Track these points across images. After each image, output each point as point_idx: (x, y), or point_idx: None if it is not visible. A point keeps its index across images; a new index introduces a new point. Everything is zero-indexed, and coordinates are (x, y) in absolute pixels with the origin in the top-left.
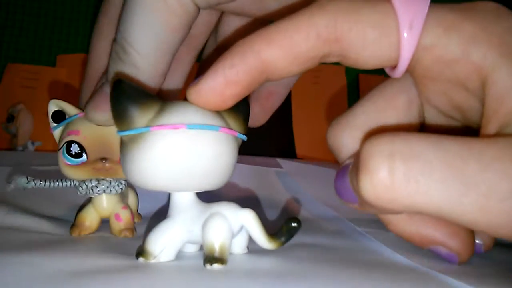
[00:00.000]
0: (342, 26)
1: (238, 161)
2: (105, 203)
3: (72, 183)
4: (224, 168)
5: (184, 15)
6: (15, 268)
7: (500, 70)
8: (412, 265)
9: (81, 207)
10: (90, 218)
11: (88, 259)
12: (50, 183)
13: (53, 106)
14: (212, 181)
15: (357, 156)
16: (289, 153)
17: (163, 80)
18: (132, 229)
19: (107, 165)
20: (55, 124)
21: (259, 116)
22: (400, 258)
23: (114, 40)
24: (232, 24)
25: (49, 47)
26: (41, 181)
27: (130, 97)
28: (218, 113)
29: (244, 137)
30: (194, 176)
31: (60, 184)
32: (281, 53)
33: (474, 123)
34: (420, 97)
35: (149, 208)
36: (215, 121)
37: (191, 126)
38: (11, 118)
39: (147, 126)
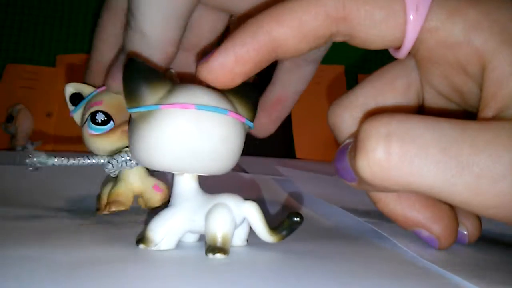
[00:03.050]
0: (350, 5)
1: (236, 168)
2: (139, 177)
3: (101, 159)
4: (229, 153)
5: None
6: (15, 260)
7: (500, 56)
8: (412, 258)
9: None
10: (124, 194)
11: (88, 249)
12: (74, 160)
13: (71, 88)
14: (217, 165)
15: (355, 136)
16: (289, 153)
17: (175, 51)
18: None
19: None
20: (73, 107)
21: (266, 126)
22: (401, 251)
23: (127, 8)
24: (201, 18)
25: (49, 47)
26: (63, 158)
27: (141, 75)
28: (228, 98)
29: (252, 125)
30: (200, 157)
31: (87, 160)
32: (290, 32)
33: (472, 107)
34: (421, 79)
35: None
36: (224, 105)
37: (200, 107)
38: (10, 118)
39: (157, 104)
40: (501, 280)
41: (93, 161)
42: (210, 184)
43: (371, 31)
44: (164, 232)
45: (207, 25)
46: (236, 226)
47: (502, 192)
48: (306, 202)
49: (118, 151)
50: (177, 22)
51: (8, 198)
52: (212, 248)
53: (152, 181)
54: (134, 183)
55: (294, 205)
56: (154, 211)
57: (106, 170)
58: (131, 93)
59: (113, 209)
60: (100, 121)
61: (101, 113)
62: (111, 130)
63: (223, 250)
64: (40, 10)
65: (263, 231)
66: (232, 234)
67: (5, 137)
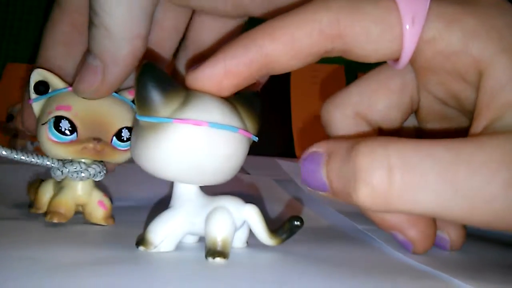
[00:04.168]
0: (345, 22)
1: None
2: (85, 189)
3: (50, 162)
4: (233, 167)
5: None
6: (13, 262)
7: (497, 64)
8: (412, 263)
9: (31, 184)
10: (67, 205)
11: (87, 250)
12: (23, 156)
13: (37, 75)
14: (219, 177)
15: (347, 161)
16: (288, 152)
17: (142, 46)
18: (112, 216)
19: (98, 146)
20: (36, 96)
21: None
22: (399, 255)
23: (89, 7)
24: (204, 27)
25: None
26: (12, 151)
27: (157, 83)
28: (238, 112)
29: (256, 138)
30: (205, 172)
31: (36, 160)
32: (283, 48)
33: (470, 112)
34: (418, 84)
35: (150, 197)
36: (235, 121)
37: (213, 125)
38: (10, 118)
39: (170, 117)
40: (498, 281)
41: (42, 162)
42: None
43: (367, 46)
44: (164, 234)
45: (170, 22)
46: (236, 229)
47: (495, 211)
48: (306, 204)
49: (71, 159)
50: (141, 15)
51: (8, 198)
52: (212, 252)
53: (99, 195)
54: (80, 195)
55: (295, 207)
56: (154, 212)
57: (53, 175)
58: (144, 101)
59: (55, 221)
60: (63, 129)
61: (67, 122)
62: (72, 142)
63: (223, 254)
64: (40, 9)
65: (263, 234)
66: (232, 238)
67: (5, 137)
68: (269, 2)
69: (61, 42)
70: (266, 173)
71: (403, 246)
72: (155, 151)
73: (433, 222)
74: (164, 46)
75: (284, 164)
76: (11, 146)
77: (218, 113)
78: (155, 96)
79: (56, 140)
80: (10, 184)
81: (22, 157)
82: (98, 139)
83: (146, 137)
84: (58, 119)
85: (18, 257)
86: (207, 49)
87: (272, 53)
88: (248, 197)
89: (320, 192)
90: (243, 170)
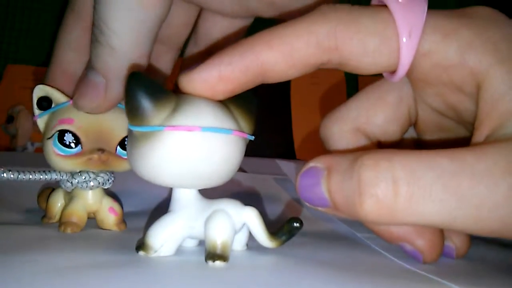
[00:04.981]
0: (342, 34)
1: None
2: (95, 197)
3: (59, 176)
4: (230, 169)
5: None
6: (15, 265)
7: (494, 75)
8: (412, 269)
9: (41, 193)
10: (79, 214)
11: (87, 255)
12: (30, 175)
13: (39, 91)
14: (217, 180)
15: (350, 175)
16: (289, 154)
17: (146, 62)
18: (124, 221)
19: (103, 156)
20: (40, 111)
21: None
22: (399, 262)
23: (93, 23)
24: (213, 23)
25: (49, 48)
26: (19, 173)
27: (146, 92)
28: (231, 113)
29: (252, 138)
30: (201, 176)
31: (44, 176)
32: (280, 57)
33: (468, 123)
34: (415, 96)
35: (150, 201)
36: (229, 123)
37: (205, 129)
38: (11, 119)
39: (162, 125)
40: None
41: (51, 177)
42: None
43: (364, 59)
44: (164, 238)
45: (179, 18)
46: (235, 232)
47: (501, 218)
48: (305, 205)
49: (79, 170)
50: (148, 36)
51: (8, 201)
52: (212, 256)
53: (109, 202)
54: (91, 203)
55: (294, 206)
56: (153, 217)
57: (63, 186)
58: (134, 111)
59: (68, 231)
60: (68, 143)
61: (70, 135)
62: (77, 155)
63: (223, 257)
64: (41, 11)
65: (262, 237)
66: (232, 241)
67: (5, 138)
68: (275, 4)
69: (73, 47)
70: (266, 172)
71: (412, 256)
72: (150, 159)
73: (440, 230)
74: (172, 42)
75: (283, 164)
76: (12, 146)
77: (211, 116)
78: (145, 104)
79: (61, 153)
80: (20, 191)
81: (31, 177)
82: (102, 150)
83: (140, 146)
84: (61, 133)
85: (20, 260)
86: (203, 52)
87: (268, 62)
88: (248, 197)
89: (320, 208)
90: (242, 170)
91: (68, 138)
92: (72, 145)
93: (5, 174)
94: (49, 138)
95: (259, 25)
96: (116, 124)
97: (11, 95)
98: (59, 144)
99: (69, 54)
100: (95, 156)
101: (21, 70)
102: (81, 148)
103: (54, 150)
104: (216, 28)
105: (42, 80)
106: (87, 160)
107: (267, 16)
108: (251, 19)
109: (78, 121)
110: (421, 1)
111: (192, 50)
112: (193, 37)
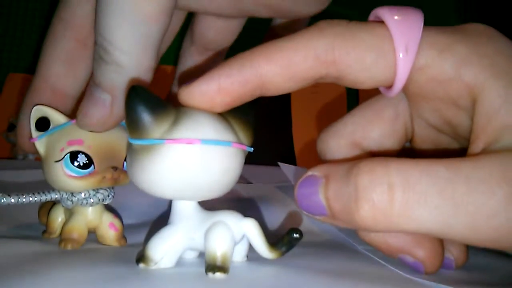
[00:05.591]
0: (340, 49)
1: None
2: (95, 213)
3: (59, 195)
4: (230, 181)
5: (161, 2)
6: (15, 280)
7: (490, 89)
8: (412, 278)
9: (41, 207)
10: (79, 230)
11: (87, 268)
12: (30, 197)
13: (37, 113)
14: (217, 192)
15: (347, 182)
16: (289, 161)
17: (152, 76)
18: (124, 237)
19: (116, 174)
20: (39, 133)
21: None
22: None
23: (95, 42)
24: (208, 23)
25: None
26: (19, 196)
27: (146, 106)
28: (230, 125)
29: (251, 149)
30: (201, 188)
31: (43, 197)
32: (279, 71)
33: (464, 138)
34: (411, 111)
35: (149, 214)
36: (228, 135)
37: (205, 141)
38: (12, 127)
39: (162, 138)
40: None
41: (51, 196)
42: None
43: (361, 74)
44: (164, 250)
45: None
46: (235, 244)
47: (497, 227)
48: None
49: None
50: (153, 49)
51: (9, 215)
52: (212, 267)
53: (109, 218)
54: (91, 219)
55: (295, 216)
56: (153, 229)
57: (63, 205)
58: (135, 124)
59: (69, 248)
60: (81, 164)
61: (83, 155)
62: (91, 174)
63: (223, 269)
64: (42, 19)
65: (262, 248)
66: (232, 252)
67: (6, 146)
68: (271, 6)
69: (62, 60)
70: (268, 181)
71: (414, 268)
72: (151, 172)
73: (439, 239)
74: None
75: (284, 167)
76: (13, 155)
77: (210, 129)
78: (145, 118)
79: (75, 175)
80: (21, 205)
81: (30, 199)
82: (115, 167)
83: (141, 159)
84: (73, 154)
85: (20, 271)
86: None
87: (267, 75)
88: (248, 207)
89: (317, 217)
90: (244, 179)
91: (82, 159)
92: (85, 165)
93: (4, 199)
94: (58, 160)
95: (258, 25)
96: (122, 140)
97: (12, 104)
98: (72, 166)
99: (57, 67)
100: (109, 175)
101: (23, 78)
102: (94, 168)
103: (66, 172)
104: (212, 27)
105: (24, 93)
106: (101, 179)
107: (263, 17)
108: (246, 18)
109: (87, 141)
110: (418, 17)
111: (192, 50)
112: (189, 36)
